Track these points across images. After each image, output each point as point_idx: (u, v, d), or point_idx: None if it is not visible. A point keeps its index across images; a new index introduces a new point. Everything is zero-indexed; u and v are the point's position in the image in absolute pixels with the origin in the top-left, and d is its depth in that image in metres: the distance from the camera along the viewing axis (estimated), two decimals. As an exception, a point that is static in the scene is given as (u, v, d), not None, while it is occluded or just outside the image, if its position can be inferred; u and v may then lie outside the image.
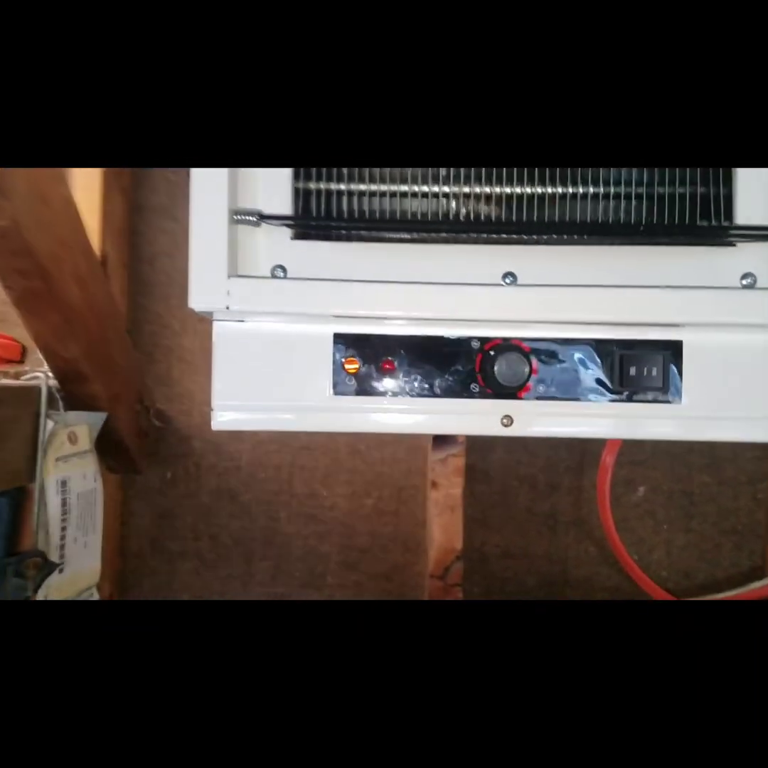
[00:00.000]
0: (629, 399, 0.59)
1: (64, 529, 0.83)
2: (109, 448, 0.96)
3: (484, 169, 0.60)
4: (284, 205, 0.59)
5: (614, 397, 0.59)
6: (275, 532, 1.09)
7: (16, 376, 0.85)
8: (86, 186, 1.00)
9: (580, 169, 0.59)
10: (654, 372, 0.58)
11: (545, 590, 1.09)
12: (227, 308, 0.55)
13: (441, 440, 0.97)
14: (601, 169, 0.59)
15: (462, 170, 0.60)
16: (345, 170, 0.59)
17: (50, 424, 0.82)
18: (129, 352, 0.98)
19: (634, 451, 1.08)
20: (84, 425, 0.88)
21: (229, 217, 0.55)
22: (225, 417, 0.59)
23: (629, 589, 1.07)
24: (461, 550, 1.01)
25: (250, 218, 0.56)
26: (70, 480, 0.85)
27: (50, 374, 0.85)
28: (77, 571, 0.85)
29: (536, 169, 0.59)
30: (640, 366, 0.58)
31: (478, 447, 1.07)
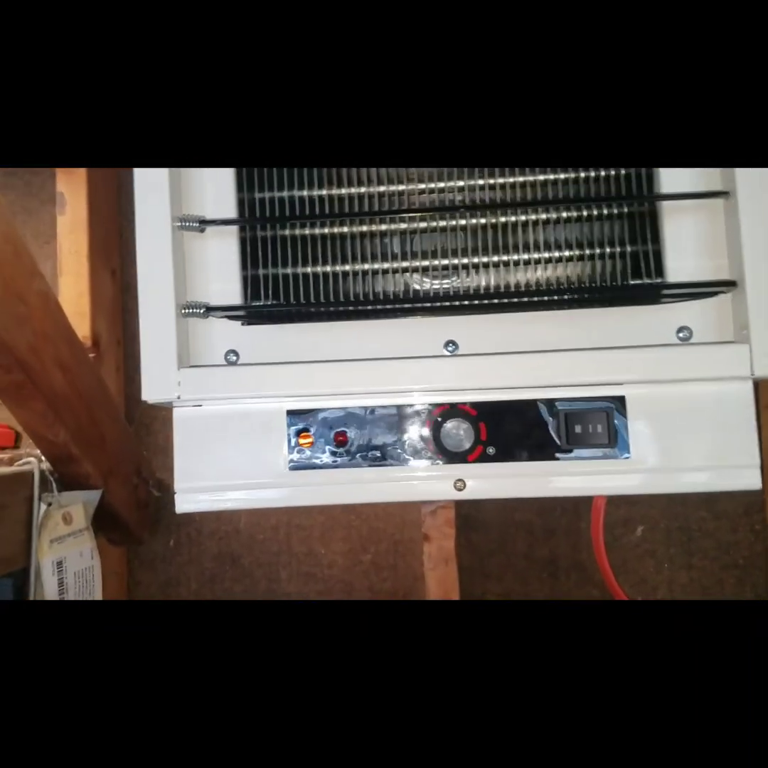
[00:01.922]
0: (578, 456, 0.60)
1: (59, 608, 0.85)
2: (107, 522, 0.99)
3: (424, 245, 0.62)
4: (233, 294, 0.62)
5: (563, 455, 0.60)
6: (277, 593, 1.11)
7: (10, 461, 0.88)
8: (75, 271, 1.05)
9: (511, 237, 0.62)
10: (599, 428, 0.60)
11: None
12: (179, 398, 0.58)
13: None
14: (531, 235, 0.62)
15: (401, 248, 0.63)
16: (289, 254, 0.62)
17: (44, 506, 0.86)
18: (121, 428, 1.01)
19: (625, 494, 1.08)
20: (79, 504, 0.91)
21: (177, 311, 0.58)
22: (187, 499, 0.61)
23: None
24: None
25: (198, 311, 0.59)
26: (66, 560, 0.87)
27: (43, 458, 0.88)
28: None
29: (468, 240, 0.62)
30: (585, 423, 0.60)
31: (470, 497, 1.08)
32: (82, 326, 1.02)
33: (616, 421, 0.60)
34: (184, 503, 0.61)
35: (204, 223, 0.60)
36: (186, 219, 0.59)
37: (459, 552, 1.02)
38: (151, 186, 0.58)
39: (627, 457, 0.60)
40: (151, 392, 0.58)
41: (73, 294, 1.05)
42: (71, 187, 1.02)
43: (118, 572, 1.09)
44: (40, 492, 0.87)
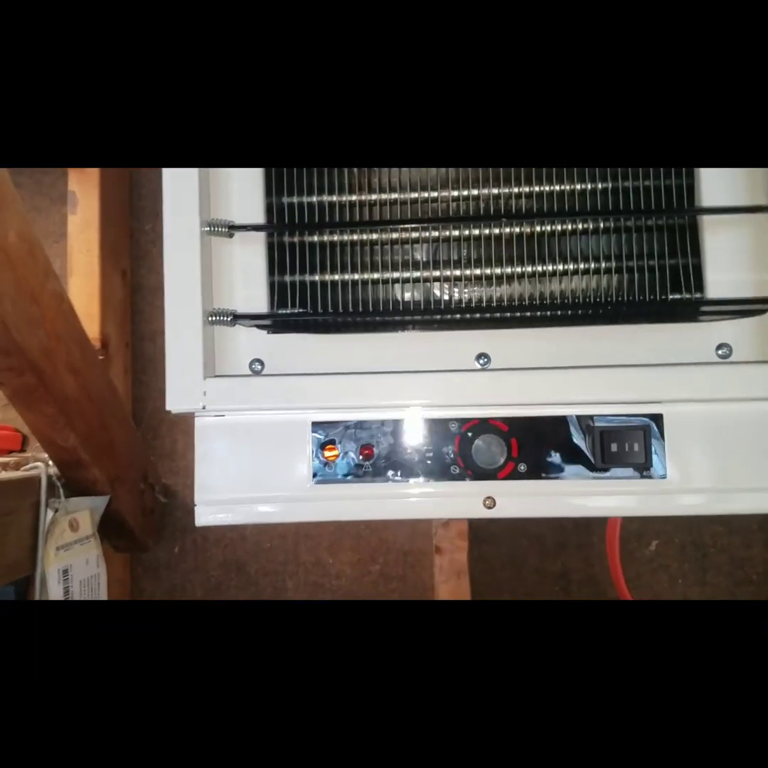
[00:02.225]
0: (613, 476, 0.58)
1: (65, 618, 0.83)
2: (113, 529, 0.97)
3: (455, 254, 0.61)
4: (259, 301, 0.60)
5: (597, 474, 0.58)
6: (283, 603, 1.09)
7: (17, 465, 0.86)
8: (85, 272, 1.03)
9: (546, 247, 0.60)
10: (636, 447, 0.58)
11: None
12: (204, 408, 0.56)
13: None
14: (568, 245, 0.60)
15: (432, 257, 0.61)
16: (318, 261, 0.60)
17: (50, 513, 0.84)
18: (130, 433, 0.99)
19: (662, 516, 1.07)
20: (85, 511, 0.88)
21: (203, 319, 0.56)
22: (208, 512, 0.59)
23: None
24: (469, 616, 1.00)
25: (225, 319, 0.57)
26: (72, 568, 0.85)
27: (51, 462, 0.86)
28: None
29: (503, 249, 0.60)
30: (621, 442, 0.58)
31: (482, 508, 1.06)
32: (91, 327, 1.00)
33: (652, 440, 0.58)
34: (204, 516, 0.59)
35: (233, 228, 0.58)
36: (215, 224, 0.57)
37: (470, 565, 1.01)
38: (180, 190, 0.56)
39: (663, 477, 0.58)
40: (175, 402, 0.56)
41: (83, 294, 1.02)
42: (83, 186, 1.00)
43: (121, 580, 1.06)
44: (47, 498, 0.84)
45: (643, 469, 0.58)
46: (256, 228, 0.58)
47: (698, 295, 0.58)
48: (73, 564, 0.85)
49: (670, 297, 0.59)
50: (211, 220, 0.58)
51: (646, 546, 1.09)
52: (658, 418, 0.58)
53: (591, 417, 0.58)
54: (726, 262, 0.59)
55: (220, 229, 0.58)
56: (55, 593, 0.82)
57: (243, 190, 0.60)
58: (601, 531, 1.04)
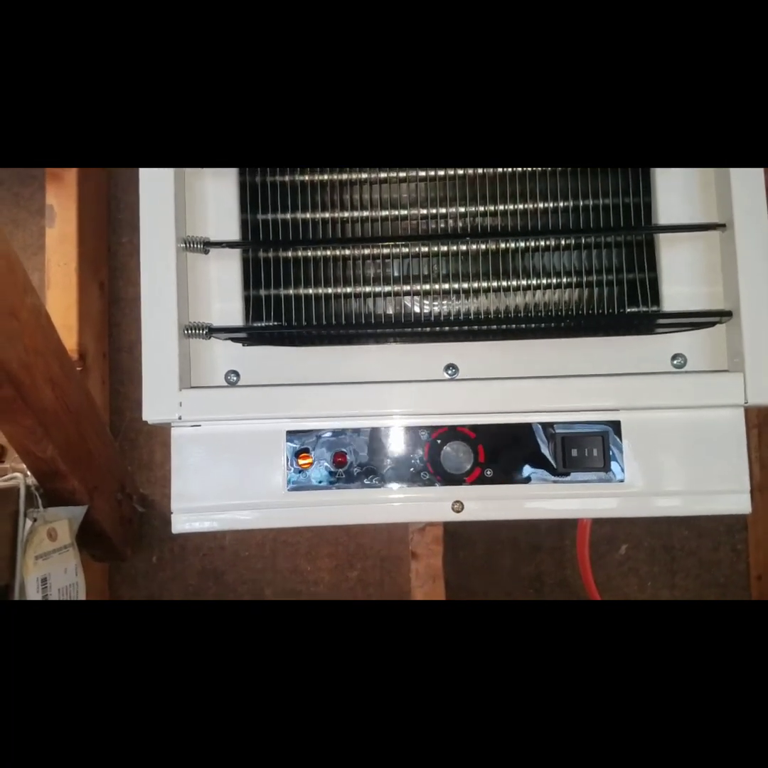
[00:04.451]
0: (573, 479, 0.61)
1: (43, 627, 0.84)
2: (91, 539, 0.98)
3: (425, 270, 0.63)
4: (234, 314, 0.62)
5: (559, 478, 0.61)
6: (261, 610, 1.10)
7: (-4, 476, 0.87)
8: (63, 284, 1.04)
9: (511, 263, 0.63)
10: (595, 452, 0.61)
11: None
12: (180, 418, 0.58)
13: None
14: (531, 261, 0.63)
15: (403, 272, 0.63)
16: (291, 276, 0.62)
17: (29, 522, 0.85)
18: (108, 444, 1.00)
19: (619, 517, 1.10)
20: (64, 520, 0.90)
21: (179, 332, 0.58)
22: (185, 520, 0.61)
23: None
24: (444, 620, 1.02)
25: (200, 332, 0.59)
26: (50, 576, 0.86)
27: (29, 473, 0.87)
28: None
29: (469, 265, 0.63)
30: (581, 447, 0.61)
31: (456, 514, 1.09)
32: (69, 339, 1.01)
33: (611, 446, 0.61)
34: (181, 523, 0.61)
35: (208, 245, 0.60)
36: (190, 240, 0.59)
37: (445, 569, 1.03)
38: (156, 207, 0.58)
39: (621, 481, 0.61)
40: (152, 413, 0.57)
41: (61, 307, 1.03)
42: (61, 199, 1.02)
43: (100, 589, 1.07)
44: (25, 507, 0.85)
45: (603, 472, 0.61)
46: (230, 245, 0.61)
47: (654, 308, 0.61)
48: (51, 572, 0.86)
49: (628, 310, 0.62)
50: (187, 237, 0.60)
51: (617, 550, 1.12)
52: (616, 425, 0.61)
53: (553, 424, 0.61)
54: (681, 277, 0.62)
55: (195, 246, 0.60)
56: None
57: (219, 207, 0.62)
58: (573, 534, 1.06)
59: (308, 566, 1.11)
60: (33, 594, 0.83)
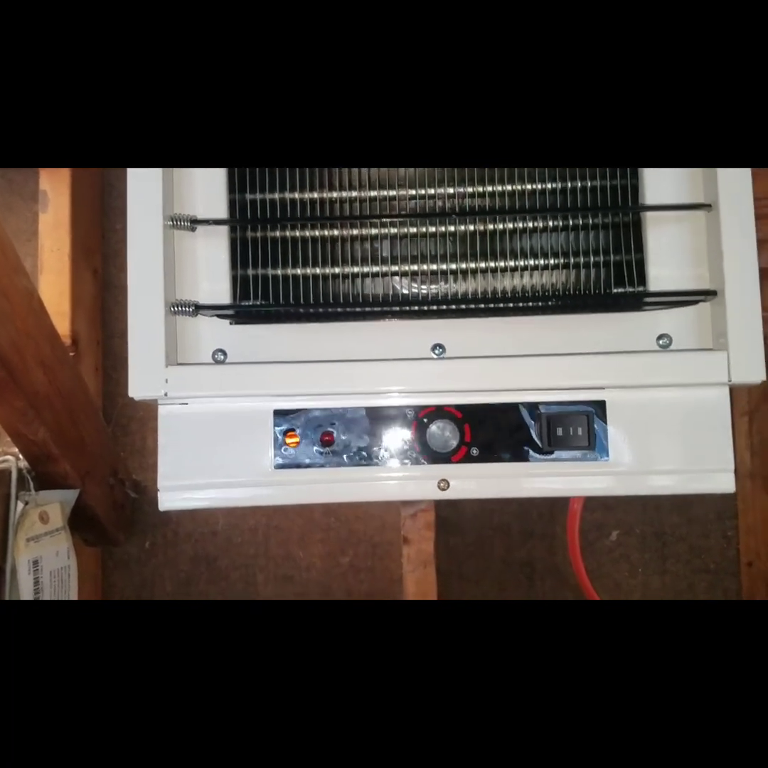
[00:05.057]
0: (558, 458, 0.61)
1: (35, 608, 0.84)
2: (83, 523, 0.98)
3: (413, 250, 0.63)
4: (222, 294, 0.62)
5: (544, 456, 0.61)
6: (253, 596, 1.11)
7: (-13, 459, 0.87)
8: (56, 270, 1.04)
9: (498, 244, 0.63)
10: (579, 431, 0.61)
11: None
12: (166, 395, 0.58)
13: (407, 497, 0.99)
14: (518, 243, 0.63)
15: (391, 252, 0.64)
16: (279, 255, 0.63)
17: (21, 505, 0.85)
18: (100, 428, 1.01)
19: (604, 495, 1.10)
20: (56, 504, 0.90)
21: (165, 309, 0.58)
22: (172, 497, 0.61)
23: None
24: (435, 604, 1.02)
25: (187, 309, 0.59)
26: (42, 559, 0.87)
27: (21, 456, 0.88)
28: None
29: (457, 246, 0.63)
30: (566, 426, 0.61)
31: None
32: (62, 325, 1.01)
33: (595, 425, 0.61)
34: (168, 501, 0.61)
35: (195, 222, 0.60)
36: (177, 218, 0.60)
37: (437, 555, 1.03)
38: (143, 184, 0.58)
39: (606, 460, 0.61)
40: (137, 389, 0.58)
41: (54, 292, 1.04)
42: (54, 185, 1.02)
43: (92, 574, 1.08)
44: (17, 490, 0.86)
45: (587, 451, 0.61)
46: (217, 222, 0.61)
47: (641, 288, 0.62)
48: (43, 555, 0.86)
49: (615, 290, 0.62)
50: (174, 214, 0.60)
51: (607, 536, 1.12)
52: (601, 404, 0.61)
53: (538, 403, 0.61)
54: (667, 258, 0.62)
55: (182, 223, 0.60)
56: (25, 583, 0.83)
57: (207, 186, 0.62)
58: (564, 520, 1.06)
59: (301, 552, 1.12)
60: (24, 576, 0.84)
